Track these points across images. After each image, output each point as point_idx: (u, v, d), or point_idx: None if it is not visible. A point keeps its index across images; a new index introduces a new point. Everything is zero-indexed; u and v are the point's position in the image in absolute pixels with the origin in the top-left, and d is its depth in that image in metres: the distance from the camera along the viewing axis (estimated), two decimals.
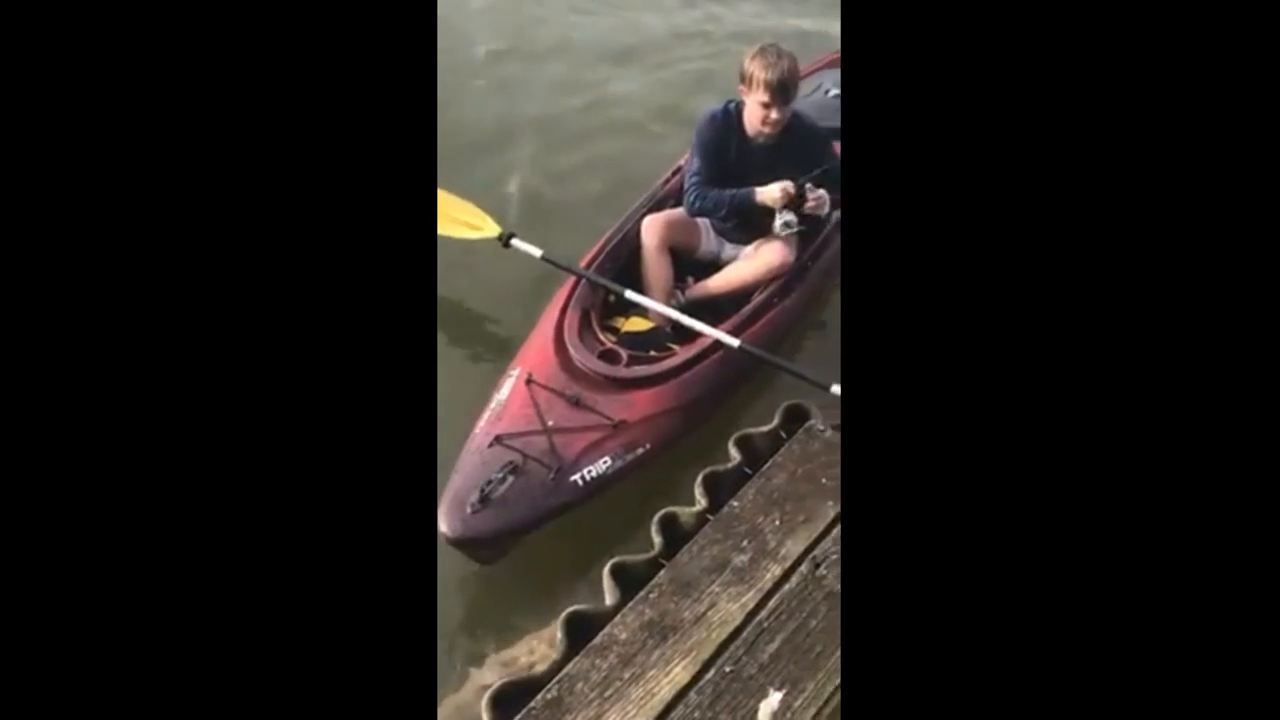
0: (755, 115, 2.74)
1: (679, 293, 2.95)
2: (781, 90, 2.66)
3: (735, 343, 2.60)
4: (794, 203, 2.79)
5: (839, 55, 3.71)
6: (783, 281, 2.90)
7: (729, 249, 3.07)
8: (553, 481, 2.26)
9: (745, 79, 2.71)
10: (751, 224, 2.94)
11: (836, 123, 2.98)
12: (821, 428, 2.07)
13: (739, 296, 2.91)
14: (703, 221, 3.05)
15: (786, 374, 2.61)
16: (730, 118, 2.81)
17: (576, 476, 2.29)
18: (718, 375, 2.65)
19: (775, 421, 2.09)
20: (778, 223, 2.83)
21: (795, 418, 2.11)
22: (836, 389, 2.38)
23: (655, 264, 2.89)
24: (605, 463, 2.35)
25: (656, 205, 3.09)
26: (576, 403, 2.41)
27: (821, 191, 2.80)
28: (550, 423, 2.35)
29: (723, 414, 2.71)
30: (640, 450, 2.43)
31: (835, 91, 3.46)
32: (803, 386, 2.47)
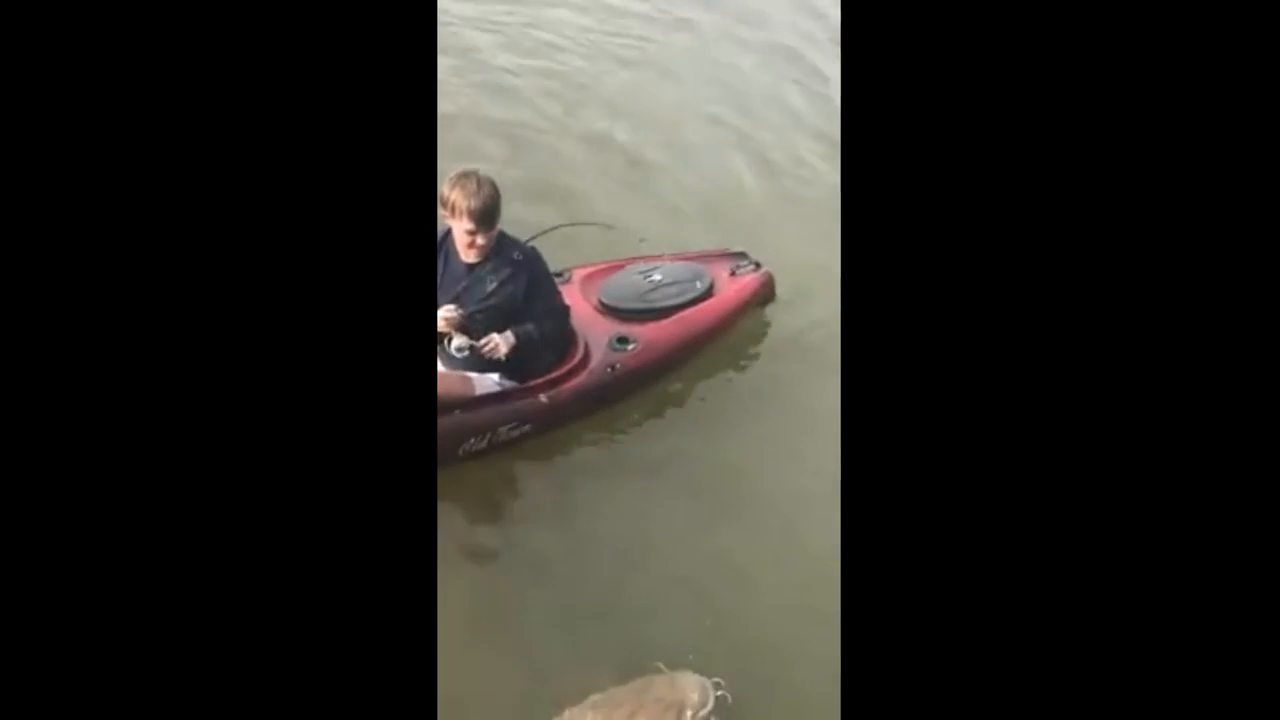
0: (462, 241, 2.78)
1: None
2: (485, 217, 2.71)
3: None
4: (462, 329, 2.80)
5: (684, 257, 3.74)
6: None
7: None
8: None
9: (448, 206, 2.71)
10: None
11: (642, 305, 3.32)
12: None
13: None
14: None
15: None
16: (440, 241, 2.83)
17: None
18: None
19: None
20: (451, 347, 2.80)
21: None
22: None
23: None
24: None
25: None
26: None
27: (496, 339, 2.81)
28: None
29: None
30: None
31: (657, 277, 3.55)
32: None
